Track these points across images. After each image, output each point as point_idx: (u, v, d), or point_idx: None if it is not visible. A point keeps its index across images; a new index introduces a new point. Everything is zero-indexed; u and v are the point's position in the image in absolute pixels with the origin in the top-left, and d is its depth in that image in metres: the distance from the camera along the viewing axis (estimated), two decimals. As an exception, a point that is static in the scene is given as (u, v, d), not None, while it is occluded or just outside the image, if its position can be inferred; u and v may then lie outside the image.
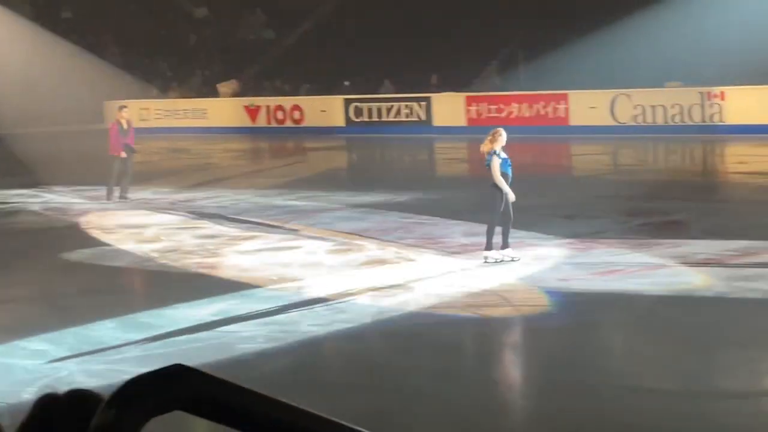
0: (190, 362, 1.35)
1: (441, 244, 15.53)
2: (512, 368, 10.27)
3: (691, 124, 29.77)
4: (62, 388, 1.41)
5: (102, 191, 21.71)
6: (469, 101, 34.04)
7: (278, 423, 1.41)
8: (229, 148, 34.01)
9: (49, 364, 10.23)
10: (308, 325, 11.28)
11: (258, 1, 45.17)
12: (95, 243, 17.28)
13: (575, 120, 31.57)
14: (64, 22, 43.84)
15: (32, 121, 37.59)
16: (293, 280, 13.64)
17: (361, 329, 11.07)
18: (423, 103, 34.94)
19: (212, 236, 17.10)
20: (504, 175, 13.73)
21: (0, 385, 9.48)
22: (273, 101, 38.86)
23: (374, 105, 36.00)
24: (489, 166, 13.77)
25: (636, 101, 30.67)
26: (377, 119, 35.80)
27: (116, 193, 21.28)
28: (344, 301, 12.25)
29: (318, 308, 11.99)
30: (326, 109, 36.98)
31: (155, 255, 15.92)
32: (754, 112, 28.59)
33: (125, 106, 22.31)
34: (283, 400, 1.42)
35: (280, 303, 12.34)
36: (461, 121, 33.82)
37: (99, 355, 10.46)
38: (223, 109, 39.72)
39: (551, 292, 12.27)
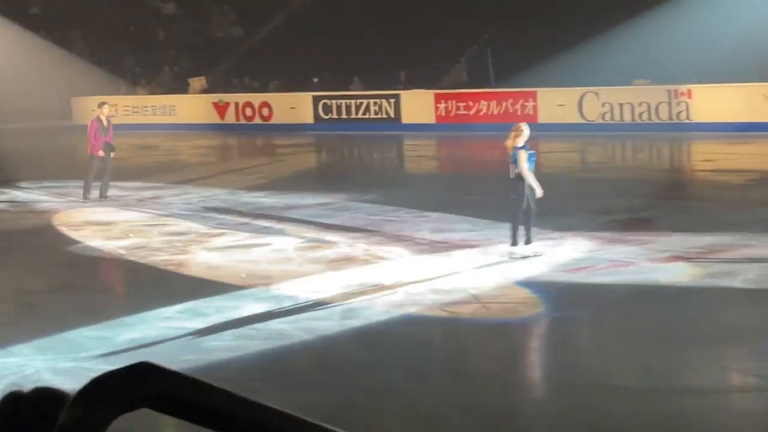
0: (158, 360, 1.35)
1: (410, 241, 15.55)
2: (480, 366, 10.29)
3: (659, 121, 29.93)
4: (28, 386, 1.40)
5: (69, 188, 21.58)
6: (438, 99, 34.07)
7: (246, 421, 1.41)
8: (197, 145, 33.90)
9: (15, 361, 10.17)
10: (277, 322, 11.27)
11: (227, -2, 45.07)
12: (63, 240, 17.19)
13: (544, 117, 31.65)
14: (32, 18, 43.55)
15: (-1, 118, 37.34)
16: (262, 277, 13.62)
17: (329, 327, 11.07)
18: (392, 101, 34.95)
19: (180, 233, 17.05)
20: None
21: (-34, 383, 9.42)
22: (242, 98, 38.76)
23: (343, 102, 35.98)
24: (515, 161, 13.76)
25: (604, 99, 30.80)
26: (346, 116, 35.78)
27: (93, 192, 20.75)
28: (313, 299, 12.25)
29: (287, 305, 11.98)
30: (295, 106, 36.91)
31: (123, 252, 15.86)
32: (721, 110, 28.77)
33: (105, 103, 21.80)
34: (252, 398, 1.42)
35: (249, 300, 12.31)
36: (430, 119, 33.85)
37: (66, 352, 10.41)
38: (192, 106, 39.57)
39: (520, 290, 12.31)
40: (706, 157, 24.96)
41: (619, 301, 11.76)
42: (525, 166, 13.61)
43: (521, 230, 13.82)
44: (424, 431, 8.36)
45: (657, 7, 32.74)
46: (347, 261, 14.36)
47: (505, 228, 14.65)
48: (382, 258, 14.46)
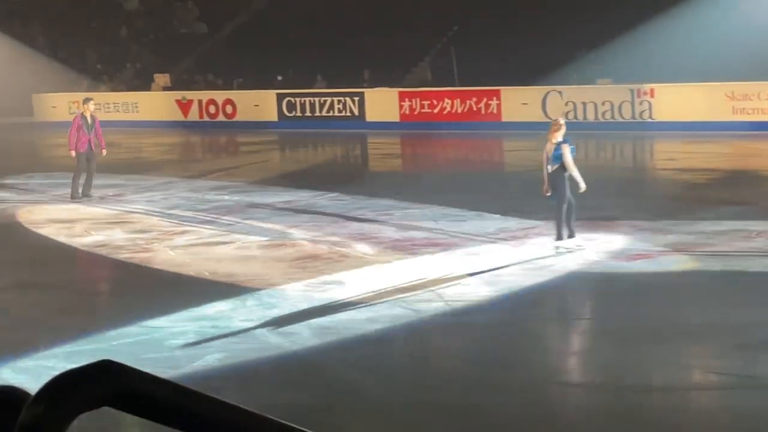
0: (119, 358, 1.34)
1: (373, 239, 15.55)
2: (441, 363, 10.31)
3: (622, 120, 30.10)
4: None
5: (30, 185, 21.41)
6: (402, 97, 34.11)
7: (209, 419, 1.40)
8: (160, 143, 33.74)
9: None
10: (240, 320, 11.23)
11: (190, -6, 44.89)
12: (25, 237, 17.07)
13: (507, 116, 31.77)
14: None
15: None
16: (225, 275, 13.57)
17: (292, 324, 11.05)
18: (356, 99, 34.95)
19: (143, 231, 16.96)
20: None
21: (-75, 382, 9.32)
22: (205, 95, 38.63)
23: (308, 100, 35.93)
24: (557, 156, 13.84)
25: (567, 98, 30.93)
26: (310, 114, 35.74)
27: (80, 190, 20.49)
28: (276, 297, 12.23)
29: (250, 303, 11.95)
30: (259, 104, 36.84)
31: (85, 250, 15.76)
32: (683, 110, 28.97)
33: (91, 99, 21.33)
34: (213, 395, 1.41)
35: (212, 298, 12.27)
36: (394, 117, 33.88)
37: (27, 351, 10.33)
38: (155, 103, 39.38)
39: (482, 287, 12.34)
40: (669, 156, 25.12)
41: (580, 300, 11.81)
42: (570, 160, 13.75)
43: (565, 224, 13.95)
44: (388, 429, 8.36)
45: (621, 7, 32.89)
46: (311, 259, 14.34)
47: (468, 225, 14.71)
48: (346, 256, 14.45)
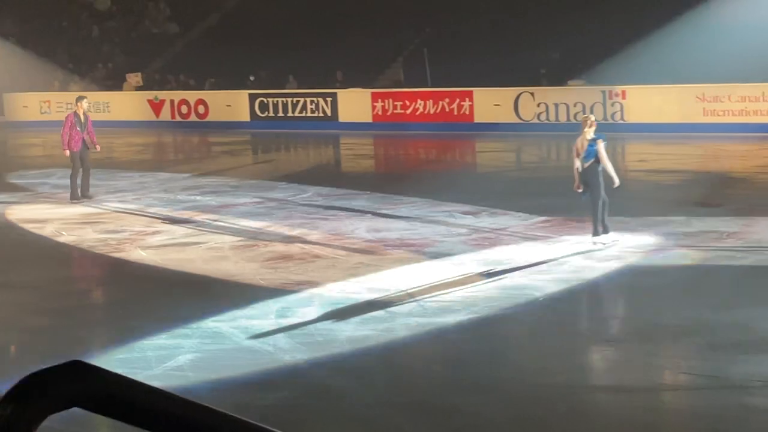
0: (89, 359, 1.33)
1: (346, 239, 15.55)
2: (413, 364, 10.31)
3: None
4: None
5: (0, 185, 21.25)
6: (375, 98, 34.10)
7: (179, 420, 1.40)
8: (132, 143, 33.61)
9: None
10: (211, 321, 11.20)
11: (162, -6, 44.71)
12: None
13: (480, 117, 31.82)
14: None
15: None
16: (197, 275, 13.54)
17: (264, 325, 11.03)
18: (329, 99, 34.91)
19: (115, 231, 16.89)
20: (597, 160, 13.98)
21: None
22: (177, 95, 38.49)
23: (280, 100, 35.87)
24: (594, 152, 13.92)
25: (539, 99, 31.01)
26: (283, 114, 35.67)
27: (79, 191, 20.23)
28: (248, 297, 12.20)
29: (222, 304, 11.91)
30: (231, 104, 36.74)
31: (57, 249, 15.68)
32: (655, 111, 29.10)
33: (84, 97, 21.02)
34: (185, 396, 1.41)
35: (183, 299, 12.23)
36: (367, 118, 33.87)
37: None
38: (127, 103, 39.21)
39: (455, 288, 12.35)
40: (640, 158, 25.21)
41: (551, 300, 11.83)
42: (605, 156, 13.84)
43: (599, 220, 14.02)
44: (360, 431, 8.36)
45: (593, 8, 32.99)
46: (284, 259, 14.32)
47: (441, 226, 14.69)
48: (318, 256, 14.44)
